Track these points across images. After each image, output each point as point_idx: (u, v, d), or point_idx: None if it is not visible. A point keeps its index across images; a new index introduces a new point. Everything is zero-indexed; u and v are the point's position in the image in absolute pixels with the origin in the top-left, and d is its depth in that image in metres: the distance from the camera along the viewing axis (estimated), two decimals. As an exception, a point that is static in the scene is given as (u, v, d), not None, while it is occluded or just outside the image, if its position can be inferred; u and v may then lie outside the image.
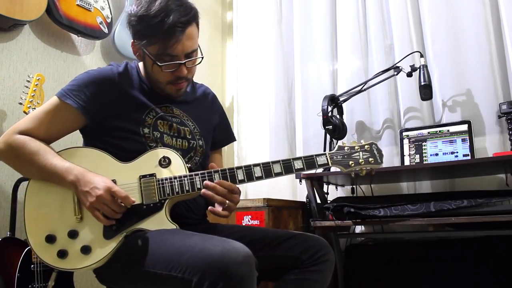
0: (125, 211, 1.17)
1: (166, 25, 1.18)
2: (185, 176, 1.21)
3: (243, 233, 1.32)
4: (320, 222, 1.89)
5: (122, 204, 1.15)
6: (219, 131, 1.52)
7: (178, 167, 1.23)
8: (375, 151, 1.27)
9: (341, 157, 1.26)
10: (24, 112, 1.67)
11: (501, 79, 2.06)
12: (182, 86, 1.32)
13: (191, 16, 1.23)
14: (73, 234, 1.16)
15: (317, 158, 1.24)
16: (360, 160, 1.25)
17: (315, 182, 2.03)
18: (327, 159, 1.25)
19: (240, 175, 1.22)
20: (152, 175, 1.21)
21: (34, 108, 1.66)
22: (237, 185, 1.22)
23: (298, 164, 1.23)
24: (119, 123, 1.27)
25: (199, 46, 1.29)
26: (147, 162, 1.23)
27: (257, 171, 1.22)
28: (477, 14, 2.12)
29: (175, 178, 1.21)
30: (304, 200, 2.24)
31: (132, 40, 1.29)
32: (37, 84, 1.71)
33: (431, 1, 2.23)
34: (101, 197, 1.12)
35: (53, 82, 2.07)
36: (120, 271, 1.16)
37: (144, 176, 1.21)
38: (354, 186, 2.24)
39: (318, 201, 2.05)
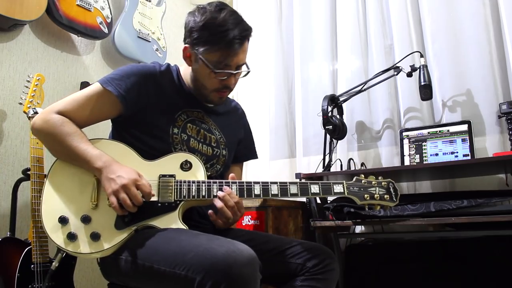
0: (140, 206, 1.19)
1: (229, 36, 1.26)
2: (203, 182, 1.25)
3: (249, 236, 1.34)
4: (320, 222, 1.89)
5: (143, 198, 1.18)
6: (242, 145, 1.58)
7: (198, 173, 1.27)
8: (391, 189, 1.31)
9: (357, 189, 1.30)
10: (24, 112, 1.67)
11: (501, 79, 2.06)
12: (224, 95, 1.39)
13: (249, 33, 1.33)
14: (85, 219, 1.19)
15: (334, 186, 1.28)
16: (376, 195, 1.29)
17: (315, 182, 2.03)
18: (343, 188, 1.28)
19: (257, 189, 1.26)
20: (172, 175, 1.25)
21: (34, 108, 1.66)
22: (252, 198, 1.27)
23: (314, 189, 1.27)
24: (151, 118, 1.32)
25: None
26: (169, 163, 1.27)
27: (274, 189, 1.26)
28: (477, 14, 2.12)
29: (193, 182, 1.24)
30: (304, 200, 2.24)
31: (186, 45, 1.34)
32: (37, 84, 1.71)
33: (431, 1, 2.23)
34: (125, 186, 1.16)
35: (53, 82, 2.07)
36: (125, 265, 1.17)
37: (164, 176, 1.25)
38: (354, 186, 2.24)
39: (318, 201, 2.05)
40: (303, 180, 1.27)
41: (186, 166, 1.27)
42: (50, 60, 2.08)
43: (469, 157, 1.92)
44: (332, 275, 1.27)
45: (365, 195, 1.28)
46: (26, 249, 1.56)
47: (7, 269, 1.52)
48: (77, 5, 2.04)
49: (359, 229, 2.30)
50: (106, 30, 2.17)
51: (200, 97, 1.40)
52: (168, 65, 1.42)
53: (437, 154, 2.01)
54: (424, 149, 2.04)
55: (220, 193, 1.23)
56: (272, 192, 1.25)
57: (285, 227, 2.09)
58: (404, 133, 2.10)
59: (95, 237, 1.17)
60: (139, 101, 1.31)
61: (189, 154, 1.29)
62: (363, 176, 1.32)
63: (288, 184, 1.26)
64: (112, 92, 1.27)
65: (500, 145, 2.00)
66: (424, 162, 2.01)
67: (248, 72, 1.37)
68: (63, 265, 1.59)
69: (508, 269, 1.83)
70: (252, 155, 1.64)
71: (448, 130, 2.01)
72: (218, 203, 1.22)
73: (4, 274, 1.51)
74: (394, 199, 1.29)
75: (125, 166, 1.21)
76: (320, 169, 2.14)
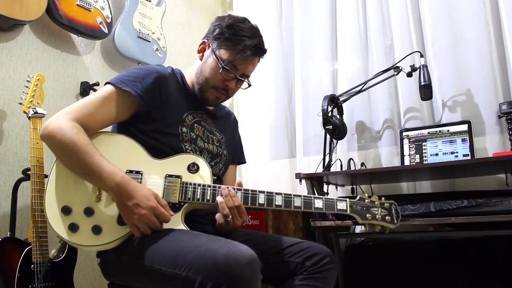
0: None
1: (247, 42, 1.35)
2: (209, 186, 1.26)
3: (248, 236, 1.36)
4: (320, 222, 1.89)
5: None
6: (236, 149, 1.65)
7: (205, 176, 1.28)
8: (393, 211, 1.33)
9: (360, 207, 1.32)
10: (24, 112, 1.67)
11: (501, 79, 2.06)
12: (221, 96, 1.43)
13: (263, 50, 1.42)
14: (88, 211, 1.19)
15: (338, 203, 1.31)
16: (377, 216, 1.31)
17: (315, 182, 2.03)
18: (346, 206, 1.31)
19: (261, 199, 1.27)
20: (179, 176, 1.25)
21: (34, 108, 1.65)
22: (256, 206, 1.27)
23: (318, 203, 1.29)
24: (161, 116, 1.34)
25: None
26: (176, 164, 1.28)
27: (278, 200, 1.27)
28: (477, 14, 2.12)
29: (199, 185, 1.25)
30: (304, 200, 2.24)
31: (204, 40, 1.44)
32: (37, 84, 1.71)
33: (431, 1, 2.23)
34: (144, 216, 1.15)
35: (53, 82, 2.07)
36: (126, 265, 1.18)
37: (170, 176, 1.25)
38: (354, 186, 2.25)
39: (318, 201, 2.05)
40: (307, 194, 1.28)
41: (193, 168, 1.28)
42: (50, 60, 2.08)
43: (469, 157, 1.92)
44: (331, 274, 1.28)
45: (367, 215, 1.31)
46: (26, 249, 1.55)
47: (7, 269, 1.52)
48: (77, 5, 2.04)
49: (359, 229, 2.30)
50: (106, 30, 2.17)
51: (199, 92, 1.44)
52: (172, 68, 1.46)
53: (437, 154, 2.01)
54: (424, 149, 2.04)
55: (224, 191, 1.24)
56: (276, 203, 1.26)
57: (285, 227, 2.10)
58: (404, 133, 2.10)
59: (96, 230, 1.17)
60: (153, 100, 1.33)
61: (197, 156, 1.30)
62: (366, 195, 1.35)
63: (292, 196, 1.28)
64: (130, 92, 1.28)
65: (500, 145, 2.00)
66: (424, 162, 2.01)
67: (249, 85, 1.46)
68: (63, 265, 1.59)
69: (508, 269, 1.83)
70: (242, 159, 1.72)
71: (448, 130, 2.01)
72: (219, 199, 1.23)
73: (4, 274, 1.51)
74: (395, 221, 1.32)
75: (141, 186, 1.18)
76: (320, 169, 2.14)
